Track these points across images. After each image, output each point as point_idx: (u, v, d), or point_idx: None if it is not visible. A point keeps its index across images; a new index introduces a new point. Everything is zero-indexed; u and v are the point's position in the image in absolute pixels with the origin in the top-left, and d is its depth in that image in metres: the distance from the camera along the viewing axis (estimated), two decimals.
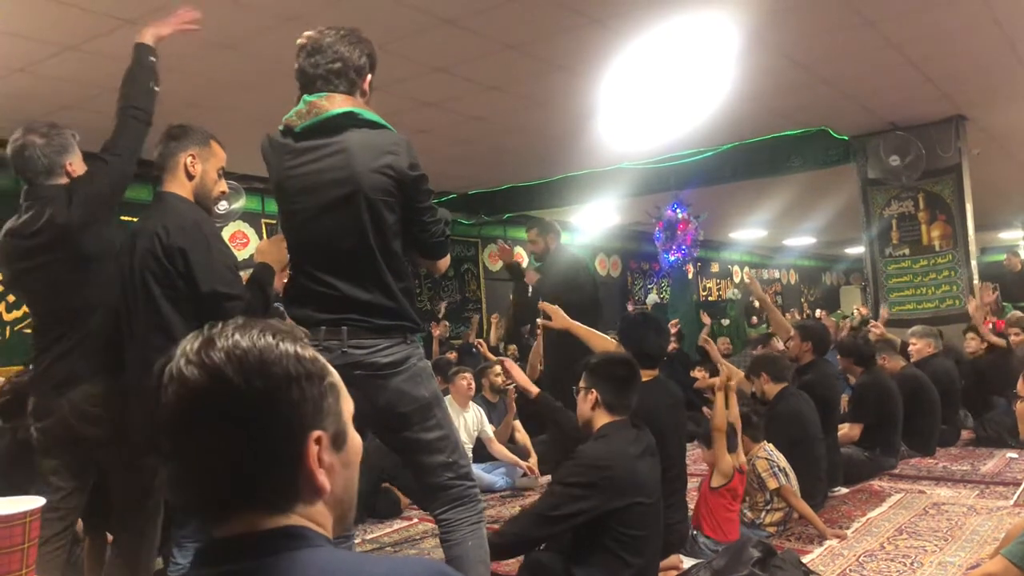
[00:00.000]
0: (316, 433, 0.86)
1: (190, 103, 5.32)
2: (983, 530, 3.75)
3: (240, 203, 6.52)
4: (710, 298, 14.36)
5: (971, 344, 6.65)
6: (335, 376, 0.92)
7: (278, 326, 0.90)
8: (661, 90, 5.85)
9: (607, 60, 5.16)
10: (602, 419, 2.79)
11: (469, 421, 5.22)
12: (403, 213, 2.25)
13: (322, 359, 0.92)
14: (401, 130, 2.29)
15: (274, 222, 7.94)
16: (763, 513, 3.84)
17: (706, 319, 9.78)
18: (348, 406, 0.94)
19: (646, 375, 3.27)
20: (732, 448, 3.63)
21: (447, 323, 8.58)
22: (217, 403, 0.83)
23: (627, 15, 4.51)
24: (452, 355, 7.69)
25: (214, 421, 0.83)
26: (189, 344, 0.86)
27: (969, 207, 7.26)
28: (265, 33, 4.42)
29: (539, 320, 3.96)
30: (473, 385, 5.38)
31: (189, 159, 2.51)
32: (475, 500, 2.34)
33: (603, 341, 3.56)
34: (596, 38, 4.81)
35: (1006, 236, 15.02)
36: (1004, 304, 8.40)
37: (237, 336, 0.86)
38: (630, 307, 12.81)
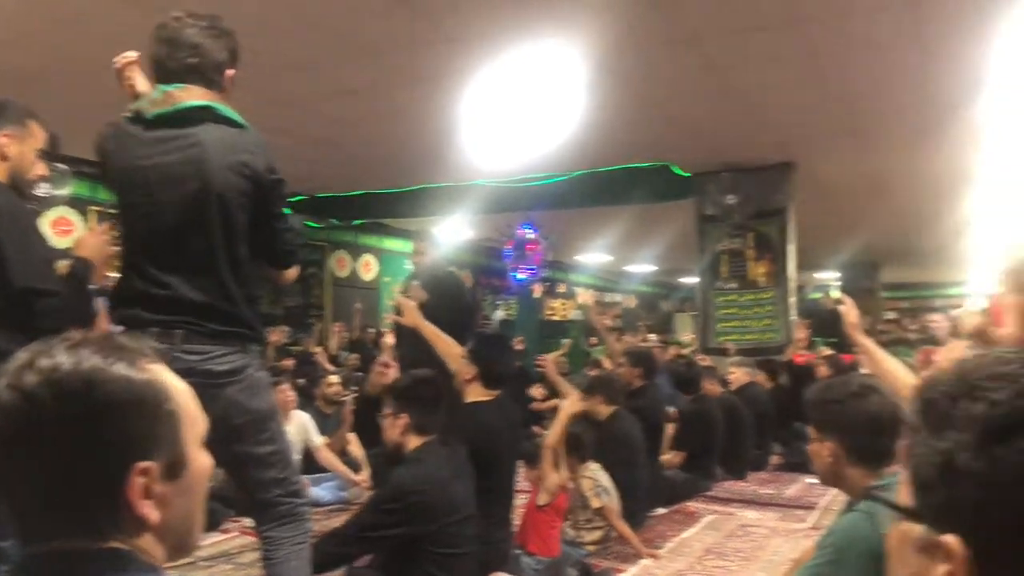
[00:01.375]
0: (143, 464, 0.80)
1: (34, 78, 4.93)
2: (782, 552, 4.03)
3: (67, 189, 6.07)
4: (555, 317, 14.71)
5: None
6: (177, 401, 0.86)
7: (117, 344, 0.84)
8: (515, 112, 5.96)
9: (465, 77, 5.20)
10: (413, 442, 2.78)
11: (291, 433, 5.06)
12: (254, 217, 2.16)
13: (162, 381, 0.85)
14: (252, 127, 2.20)
15: (103, 210, 7.43)
16: (584, 531, 3.96)
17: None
18: (194, 430, 0.88)
19: (488, 395, 3.30)
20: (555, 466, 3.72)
21: (286, 328, 8.31)
22: (28, 428, 0.78)
23: (480, 36, 4.56)
24: (288, 362, 7.46)
25: (24, 446, 0.78)
26: (15, 362, 0.81)
27: (792, 248, 7.84)
28: (115, 11, 4.15)
29: (390, 316, 3.92)
30: (293, 397, 5.21)
31: (3, 139, 2.32)
32: (303, 519, 2.28)
33: (448, 346, 3.54)
34: (453, 55, 4.85)
35: (821, 276, 16.34)
36: (815, 339, 9.13)
37: (63, 356, 0.80)
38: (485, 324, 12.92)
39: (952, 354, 2.39)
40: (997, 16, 4.15)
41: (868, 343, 3.05)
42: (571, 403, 3.73)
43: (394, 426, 2.80)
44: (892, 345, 13.13)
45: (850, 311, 3.10)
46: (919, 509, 0.61)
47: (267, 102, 5.66)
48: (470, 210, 8.99)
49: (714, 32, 4.57)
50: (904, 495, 0.64)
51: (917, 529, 0.61)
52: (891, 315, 17.48)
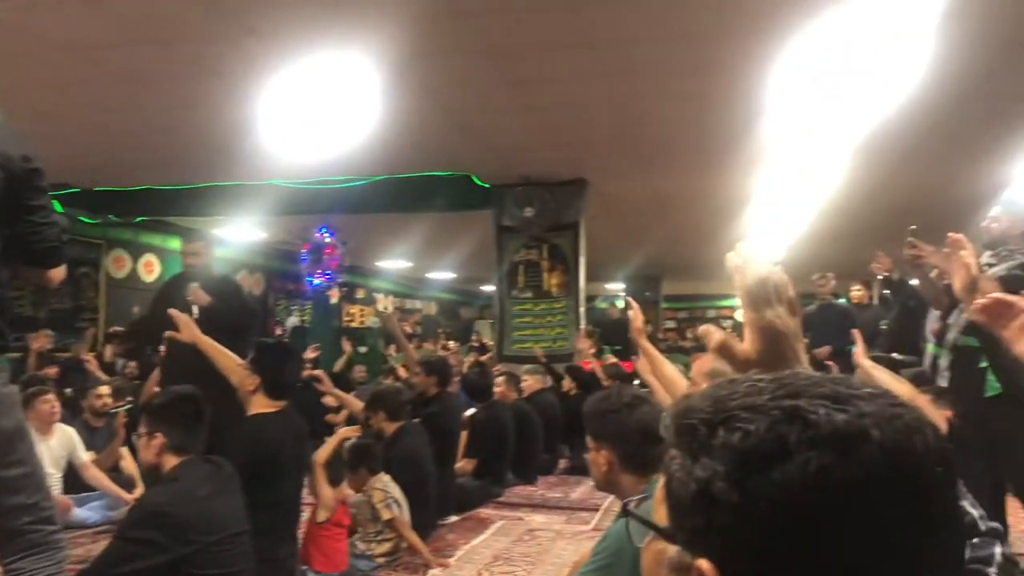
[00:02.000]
0: None
1: None
2: (565, 555, 4.19)
3: None
4: (352, 324, 14.46)
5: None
6: None
7: None
8: (313, 112, 5.79)
9: (261, 74, 4.99)
10: (171, 461, 2.59)
11: (53, 448, 4.61)
12: (7, 210, 1.93)
13: None
14: (19, 111, 1.97)
15: None
16: (374, 544, 3.90)
17: (347, 346, 9.83)
18: None
19: (273, 406, 3.17)
20: (337, 481, 3.66)
21: (50, 333, 7.53)
22: None
23: (280, 32, 4.40)
24: (52, 371, 6.77)
25: None
26: None
27: (583, 260, 8.21)
28: None
29: (167, 333, 3.66)
30: (57, 409, 4.75)
31: None
32: (57, 547, 2.08)
33: (228, 359, 3.37)
34: (250, 49, 4.63)
35: (610, 287, 17.28)
36: (603, 347, 9.62)
37: None
38: (278, 330, 12.43)
39: (702, 367, 2.59)
40: (778, 47, 4.51)
41: (650, 348, 3.26)
42: (346, 430, 3.72)
43: (149, 447, 2.58)
44: (669, 352, 14.12)
45: (636, 316, 3.30)
46: (673, 530, 0.62)
47: (37, 84, 5.14)
48: (264, 211, 8.63)
49: (514, 47, 4.68)
50: (660, 514, 0.65)
51: (671, 549, 0.62)
52: (671, 324, 18.82)
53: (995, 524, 1.70)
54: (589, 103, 5.68)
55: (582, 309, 8.27)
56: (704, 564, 0.58)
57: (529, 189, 7.92)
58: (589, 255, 8.43)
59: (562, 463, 6.97)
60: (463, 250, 12.23)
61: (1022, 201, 4.25)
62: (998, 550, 1.62)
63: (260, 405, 3.15)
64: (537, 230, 8.06)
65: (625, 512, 1.86)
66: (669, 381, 3.04)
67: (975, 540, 1.61)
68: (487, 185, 8.08)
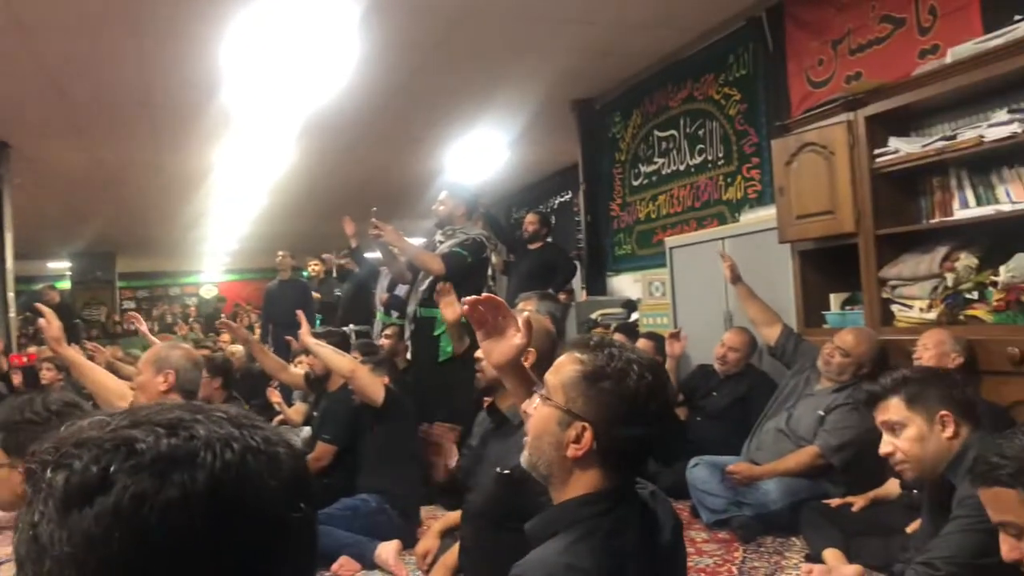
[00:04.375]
0: None
1: None
2: None
3: None
4: None
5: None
6: None
7: None
8: None
9: None
10: None
11: None
12: None
13: None
14: None
15: None
16: None
17: None
18: None
19: None
20: None
21: None
22: None
23: None
24: None
25: None
26: None
27: (9, 237, 6.99)
28: None
29: None
30: None
31: None
32: None
33: None
34: None
35: (54, 266, 15.22)
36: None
37: None
38: None
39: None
40: (223, 18, 4.34)
41: (71, 353, 2.85)
42: None
43: None
44: (126, 336, 13.02)
45: (52, 322, 2.85)
46: None
47: None
48: None
49: None
50: None
51: None
52: (129, 305, 17.37)
53: None
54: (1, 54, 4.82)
55: (11, 294, 7.06)
56: None
57: None
58: (19, 230, 7.24)
59: None
60: None
61: (462, 186, 4.85)
62: None
63: None
64: None
65: None
66: (102, 387, 2.70)
67: None
68: None
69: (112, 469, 0.55)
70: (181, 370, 2.60)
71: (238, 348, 7.61)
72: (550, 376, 1.34)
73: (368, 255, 7.01)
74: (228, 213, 10.65)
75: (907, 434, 1.97)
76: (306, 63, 4.95)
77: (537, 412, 1.34)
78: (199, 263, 17.37)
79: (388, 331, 5.39)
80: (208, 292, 18.87)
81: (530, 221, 6.18)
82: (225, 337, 9.95)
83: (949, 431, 1.94)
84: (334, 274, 8.93)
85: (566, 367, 1.32)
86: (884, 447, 2.02)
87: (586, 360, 1.30)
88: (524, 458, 1.35)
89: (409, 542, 3.22)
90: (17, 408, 1.84)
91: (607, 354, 1.30)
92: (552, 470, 1.30)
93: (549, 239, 6.28)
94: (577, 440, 1.26)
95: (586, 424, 1.26)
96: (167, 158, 7.60)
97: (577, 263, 6.73)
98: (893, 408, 2.00)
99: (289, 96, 5.65)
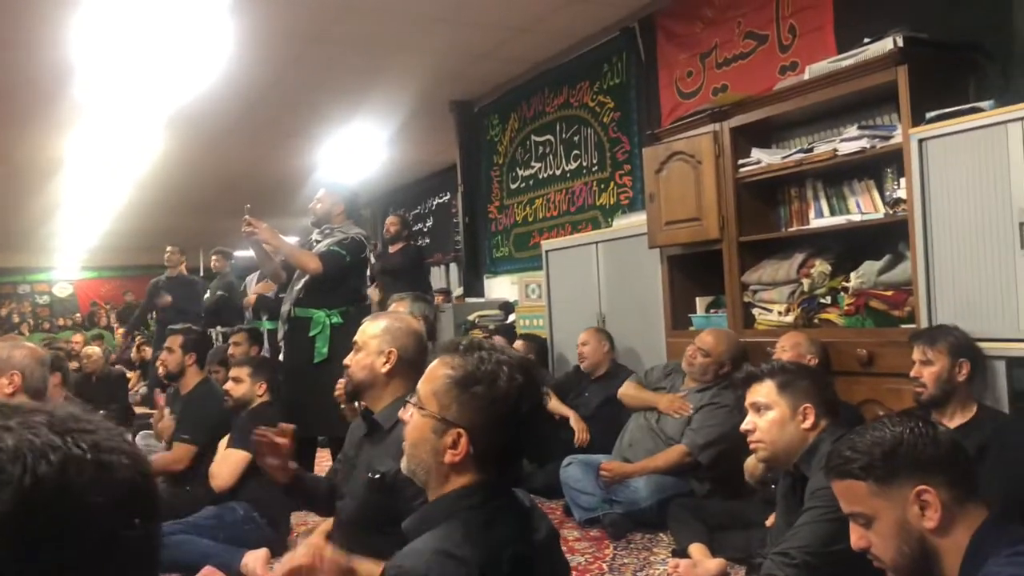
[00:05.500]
0: None
1: None
2: None
3: None
4: None
5: None
6: None
7: None
8: None
9: None
10: None
11: None
12: None
13: None
14: None
15: None
16: None
17: None
18: None
19: None
20: None
21: None
22: None
23: None
24: None
25: None
26: None
27: None
28: None
29: None
30: None
31: None
32: None
33: None
34: None
35: None
36: None
37: None
38: None
39: None
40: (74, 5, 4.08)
41: None
42: None
43: None
44: None
45: None
46: None
47: None
48: None
49: None
50: None
51: None
52: None
53: None
54: None
55: None
56: None
57: None
58: None
59: None
60: None
61: (341, 184, 4.73)
62: None
63: None
64: None
65: None
66: None
67: None
68: None
69: None
70: (27, 370, 2.42)
71: (94, 350, 7.17)
72: (423, 384, 1.34)
73: (239, 253, 6.75)
74: (86, 207, 10.01)
75: (769, 416, 2.10)
76: (172, 51, 4.72)
77: (412, 421, 1.33)
78: (51, 259, 16.25)
79: (236, 337, 5.15)
80: (62, 290, 17.68)
81: (391, 222, 6.14)
82: (78, 338, 9.34)
83: (808, 423, 2.07)
84: (201, 274, 8.56)
85: (437, 374, 1.32)
86: (746, 424, 2.15)
87: (456, 365, 1.30)
88: (403, 466, 1.35)
89: (278, 550, 3.11)
90: None
91: (477, 358, 1.30)
92: (430, 475, 1.30)
93: (411, 241, 6.26)
94: (454, 446, 1.26)
95: (461, 431, 1.26)
96: (17, 146, 7.07)
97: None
98: (764, 390, 2.12)
99: (152, 85, 5.37)
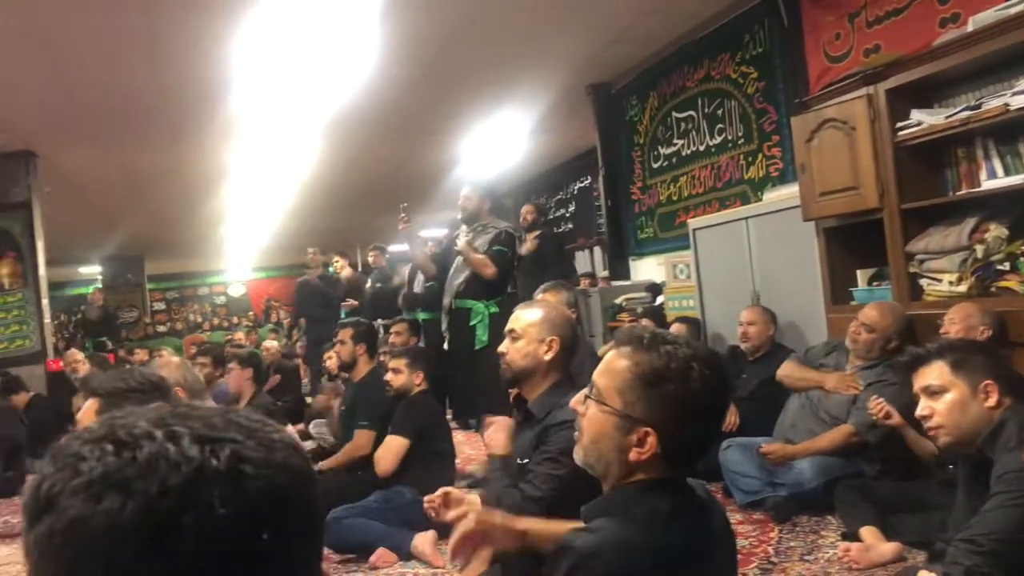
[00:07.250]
0: None
1: None
2: None
3: None
4: None
5: None
6: None
7: None
8: None
9: None
10: None
11: None
12: None
13: None
14: None
15: None
16: None
17: None
18: None
19: None
20: None
21: None
22: None
23: None
24: None
25: None
26: None
27: (41, 244, 7.11)
28: None
29: None
30: None
31: None
32: None
33: None
34: None
35: (85, 271, 15.44)
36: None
37: None
38: None
39: None
40: (233, 18, 4.37)
41: None
42: None
43: None
44: (158, 337, 13.21)
45: None
46: None
47: None
48: None
49: None
50: None
51: None
52: (160, 306, 17.60)
53: None
54: (22, 71, 4.91)
55: (45, 301, 7.18)
56: None
57: None
58: (50, 237, 7.35)
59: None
60: None
61: (482, 180, 4.90)
62: None
63: None
64: None
65: None
66: None
67: None
68: None
69: (56, 489, 0.53)
70: (183, 382, 2.70)
71: (272, 344, 7.73)
72: (601, 378, 1.28)
73: (392, 248, 7.04)
74: (252, 211, 10.72)
75: (948, 399, 1.97)
76: (324, 60, 4.97)
77: (590, 415, 1.28)
78: (225, 262, 17.54)
79: (398, 327, 5.40)
80: (236, 291, 19.04)
81: (527, 211, 6.18)
82: (240, 335, 10.06)
83: (992, 400, 1.94)
84: (359, 269, 8.98)
85: (618, 367, 1.25)
86: (921, 410, 2.01)
87: (641, 360, 1.23)
88: (578, 457, 1.31)
89: (444, 532, 3.24)
90: (120, 378, 1.91)
91: (664, 353, 1.22)
92: (611, 470, 1.26)
93: (549, 228, 6.31)
94: (640, 444, 1.21)
95: (648, 429, 1.20)
96: (187, 159, 7.66)
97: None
98: (936, 372, 1.99)
99: (307, 93, 5.68)
